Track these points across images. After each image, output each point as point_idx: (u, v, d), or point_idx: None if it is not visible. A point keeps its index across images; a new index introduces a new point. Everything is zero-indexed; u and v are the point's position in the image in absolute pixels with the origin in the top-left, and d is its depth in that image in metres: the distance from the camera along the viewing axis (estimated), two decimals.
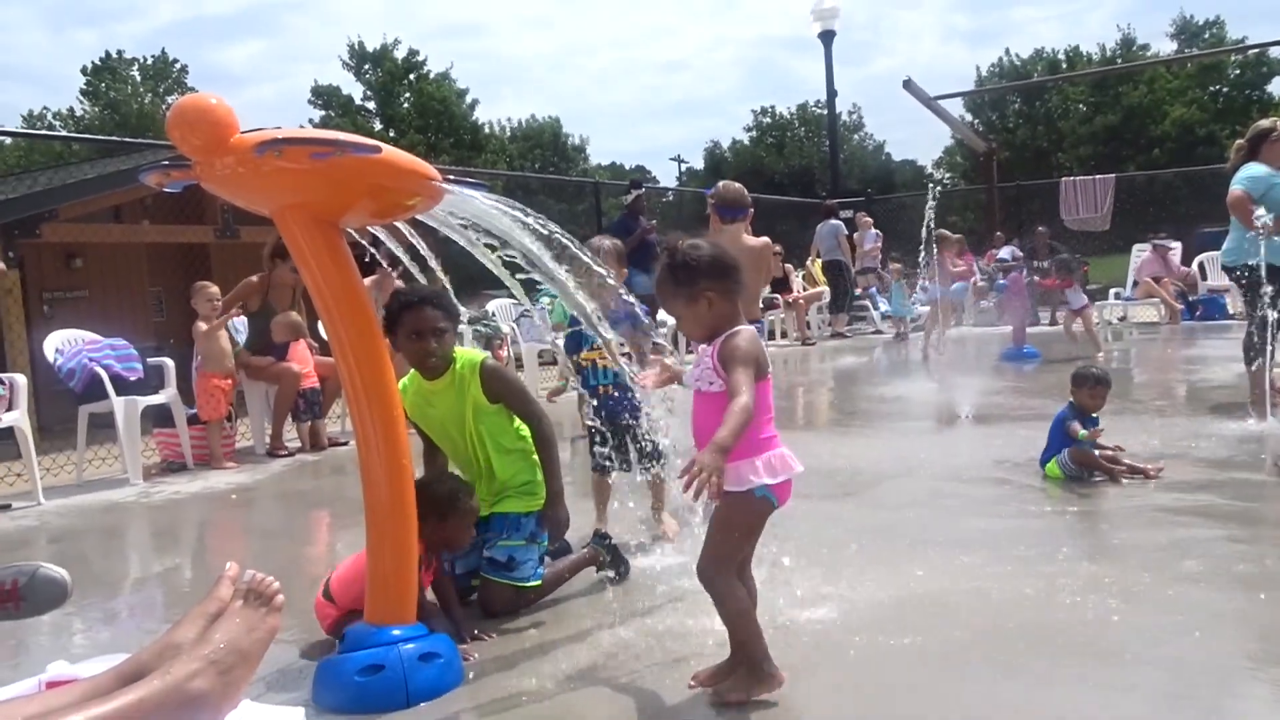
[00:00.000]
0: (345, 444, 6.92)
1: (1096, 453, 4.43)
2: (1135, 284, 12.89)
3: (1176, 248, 13.37)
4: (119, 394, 6.15)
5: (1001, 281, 10.82)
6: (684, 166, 48.85)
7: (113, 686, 1.52)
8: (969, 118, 37.65)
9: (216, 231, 10.93)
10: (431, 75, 44.51)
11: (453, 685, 2.60)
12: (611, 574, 3.47)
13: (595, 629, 3.01)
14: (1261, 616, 2.80)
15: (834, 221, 14.50)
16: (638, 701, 2.46)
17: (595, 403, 3.81)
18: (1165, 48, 40.19)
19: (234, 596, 1.63)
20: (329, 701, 2.50)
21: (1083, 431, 4.39)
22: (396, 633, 2.57)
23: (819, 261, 14.45)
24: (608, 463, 3.81)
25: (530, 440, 3.33)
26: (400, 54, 44.29)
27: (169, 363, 6.78)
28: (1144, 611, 2.85)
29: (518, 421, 3.34)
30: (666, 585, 3.35)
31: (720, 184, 4.96)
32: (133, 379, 6.40)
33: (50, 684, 1.61)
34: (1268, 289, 5.70)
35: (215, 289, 6.78)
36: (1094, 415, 4.52)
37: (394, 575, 2.62)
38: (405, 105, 43.98)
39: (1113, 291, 13.48)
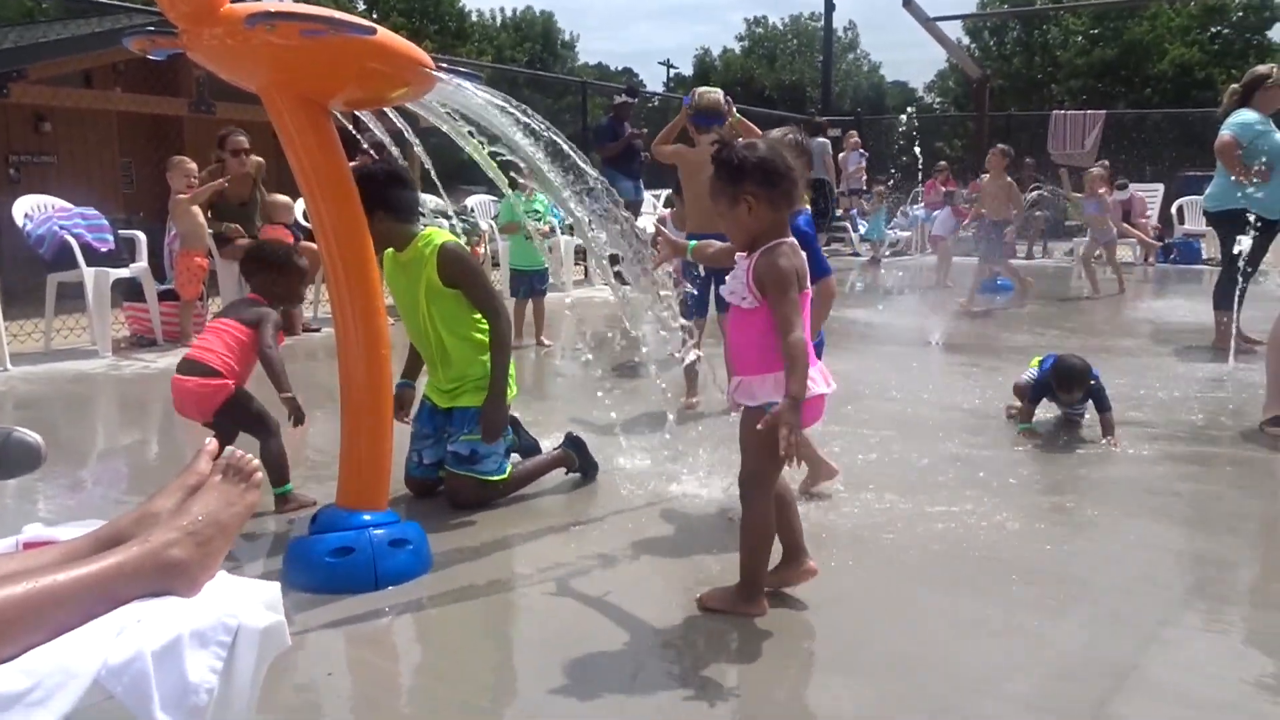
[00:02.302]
0: (317, 330, 6.89)
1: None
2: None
3: (1157, 190, 13.36)
4: (89, 264, 6.06)
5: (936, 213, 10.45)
6: (672, 72, 47.68)
7: (90, 551, 1.54)
8: (967, 42, 36.89)
9: (191, 105, 10.61)
10: None
11: (420, 572, 2.67)
12: (580, 475, 3.54)
13: (561, 527, 3.09)
14: (1203, 549, 2.93)
15: (821, 139, 14.32)
16: (597, 595, 2.54)
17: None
18: None
19: (213, 471, 1.64)
20: (300, 580, 2.56)
21: (1022, 425, 4.21)
22: (367, 518, 2.62)
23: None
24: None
25: None
26: None
27: (141, 235, 6.67)
28: (1096, 541, 2.98)
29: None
30: (633, 488, 3.43)
31: (697, 90, 4.74)
32: (103, 250, 6.29)
33: (27, 545, 1.63)
34: (1243, 237, 5.76)
35: (192, 164, 6.63)
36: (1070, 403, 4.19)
37: (368, 461, 2.66)
38: None
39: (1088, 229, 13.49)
